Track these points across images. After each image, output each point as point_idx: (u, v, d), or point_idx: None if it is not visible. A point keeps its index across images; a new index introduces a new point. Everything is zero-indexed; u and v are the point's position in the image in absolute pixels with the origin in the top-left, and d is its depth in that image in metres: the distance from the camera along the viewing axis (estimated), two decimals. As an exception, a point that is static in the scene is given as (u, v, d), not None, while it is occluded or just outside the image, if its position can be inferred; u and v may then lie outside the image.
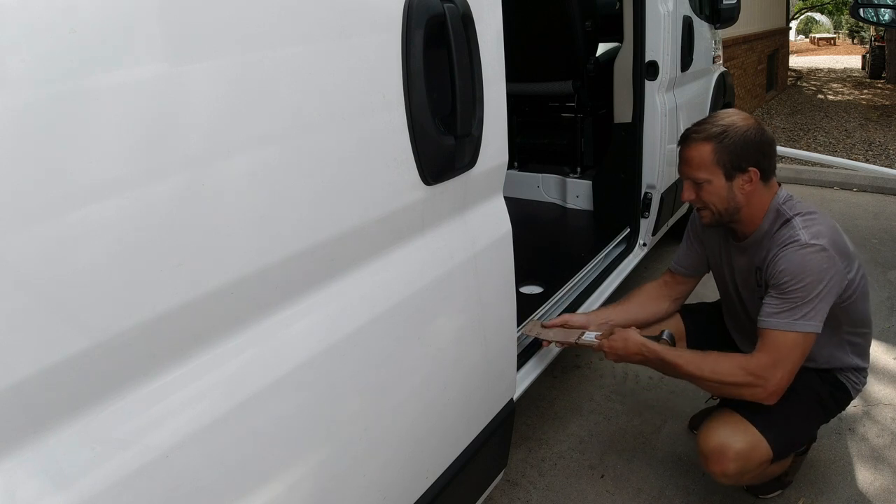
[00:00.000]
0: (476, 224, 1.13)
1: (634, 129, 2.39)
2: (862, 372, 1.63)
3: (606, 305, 1.86)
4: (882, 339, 2.47)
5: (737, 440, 1.44)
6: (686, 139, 1.50)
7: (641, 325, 1.71)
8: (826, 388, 1.58)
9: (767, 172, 1.48)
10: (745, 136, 1.44)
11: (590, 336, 1.64)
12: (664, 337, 1.62)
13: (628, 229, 2.46)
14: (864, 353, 1.63)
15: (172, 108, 0.63)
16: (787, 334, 1.38)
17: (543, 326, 1.72)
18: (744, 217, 1.51)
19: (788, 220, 1.45)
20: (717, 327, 1.82)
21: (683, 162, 1.51)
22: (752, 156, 1.44)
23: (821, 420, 1.62)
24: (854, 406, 2.10)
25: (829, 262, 1.38)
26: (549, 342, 1.70)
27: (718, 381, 1.43)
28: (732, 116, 1.49)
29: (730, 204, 1.49)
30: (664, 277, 1.84)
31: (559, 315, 1.78)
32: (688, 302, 1.87)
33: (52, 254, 0.56)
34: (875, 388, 2.20)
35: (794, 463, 1.75)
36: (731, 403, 1.51)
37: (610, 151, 2.60)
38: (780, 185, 1.55)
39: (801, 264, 1.38)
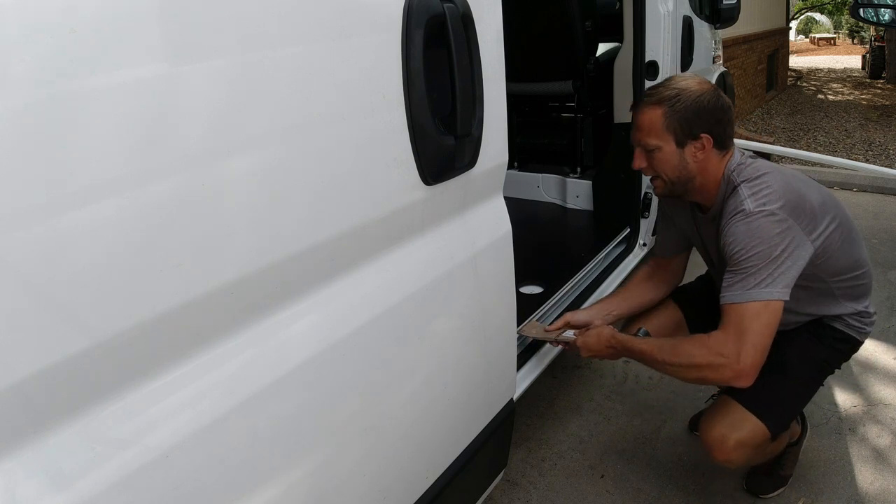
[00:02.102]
0: (476, 224, 1.13)
1: (635, 129, 2.39)
2: (864, 315, 1.53)
3: (608, 297, 1.82)
4: (882, 338, 2.47)
5: (735, 429, 1.42)
6: (637, 103, 1.44)
7: (645, 309, 1.69)
8: (824, 345, 1.52)
9: (722, 139, 1.40)
10: (698, 101, 1.37)
11: (569, 334, 1.64)
12: (639, 335, 1.61)
13: (628, 229, 2.46)
14: (862, 296, 1.53)
15: (172, 108, 0.63)
16: (745, 305, 1.30)
17: (546, 330, 1.70)
18: (698, 187, 1.44)
19: (735, 189, 1.37)
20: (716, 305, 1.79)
21: (634, 127, 1.44)
22: (705, 122, 1.37)
23: (823, 378, 1.56)
24: (854, 406, 2.10)
25: (782, 225, 1.30)
26: (551, 341, 1.70)
27: (686, 364, 1.37)
28: (688, 80, 1.41)
29: (682, 173, 1.42)
30: (651, 264, 1.79)
31: (561, 315, 1.76)
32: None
33: (53, 254, 0.56)
34: (875, 388, 2.20)
35: (790, 455, 1.74)
36: (730, 390, 1.47)
37: (610, 151, 2.60)
38: (738, 151, 1.47)
39: (747, 234, 1.31)
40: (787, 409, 1.49)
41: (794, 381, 1.48)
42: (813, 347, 1.51)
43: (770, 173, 1.38)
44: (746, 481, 1.79)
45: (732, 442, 1.42)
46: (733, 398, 1.45)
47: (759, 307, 1.29)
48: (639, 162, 1.46)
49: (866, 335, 1.56)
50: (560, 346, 1.70)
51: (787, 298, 1.30)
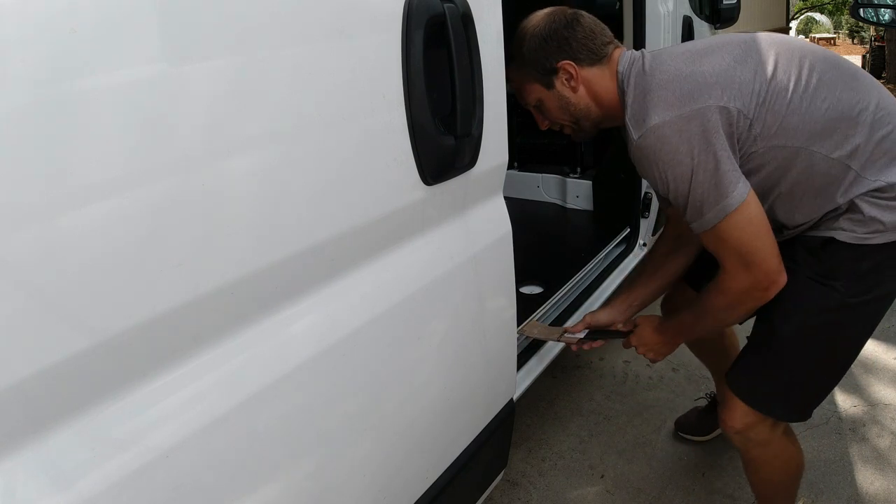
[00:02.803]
0: (476, 224, 1.13)
1: (634, 129, 2.39)
2: (882, 191, 1.13)
3: (626, 289, 1.62)
4: (882, 339, 2.47)
5: (745, 429, 1.33)
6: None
7: (666, 290, 1.56)
8: (822, 273, 1.18)
9: (584, 54, 1.25)
10: (534, 35, 1.24)
11: (571, 336, 1.58)
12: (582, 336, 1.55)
13: (628, 229, 2.46)
14: (869, 164, 1.13)
15: (172, 108, 0.63)
16: (716, 229, 1.12)
17: (568, 332, 1.61)
18: (607, 115, 1.28)
19: (623, 113, 1.21)
20: None
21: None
22: (554, 50, 1.23)
23: (845, 330, 1.22)
24: (854, 406, 2.10)
25: (677, 133, 1.09)
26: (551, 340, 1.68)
27: (725, 316, 1.23)
28: (527, 20, 1.28)
29: (573, 110, 1.29)
30: (666, 238, 1.55)
31: (583, 318, 1.60)
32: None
33: (53, 254, 0.56)
34: (875, 388, 2.20)
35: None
36: (729, 378, 1.34)
37: (610, 151, 2.60)
38: (628, 50, 1.29)
39: (650, 165, 1.14)
40: (796, 390, 1.28)
41: (789, 352, 1.25)
42: (806, 290, 1.19)
43: (650, 69, 1.19)
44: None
45: (748, 441, 1.34)
46: (730, 389, 1.33)
47: (730, 222, 1.11)
48: (539, 122, 1.37)
49: None
50: (571, 345, 1.62)
51: (748, 185, 1.11)
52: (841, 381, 2.19)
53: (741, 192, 1.10)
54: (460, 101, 0.95)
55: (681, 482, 1.84)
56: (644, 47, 2.27)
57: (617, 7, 2.63)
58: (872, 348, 2.42)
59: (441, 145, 0.96)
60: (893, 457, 1.87)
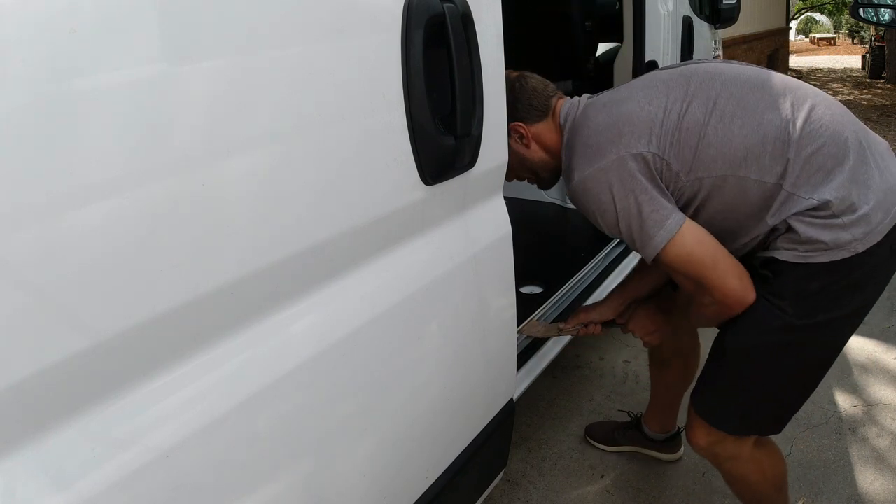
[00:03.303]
0: (476, 224, 1.13)
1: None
2: (817, 209, 1.09)
3: (619, 287, 1.67)
4: (882, 338, 2.47)
5: (710, 446, 1.33)
6: None
7: (658, 288, 1.55)
8: (772, 295, 1.16)
9: (531, 113, 1.31)
10: None
11: (571, 329, 1.61)
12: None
13: (628, 229, 2.46)
14: (802, 182, 1.10)
15: (172, 108, 0.63)
16: (664, 254, 1.14)
17: (561, 329, 1.65)
18: (560, 164, 1.33)
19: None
20: None
21: None
22: None
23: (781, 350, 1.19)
24: (854, 406, 2.10)
25: (597, 184, 1.15)
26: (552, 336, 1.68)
27: (702, 320, 1.30)
28: None
29: (530, 164, 1.35)
30: None
31: (577, 314, 1.62)
32: None
33: (52, 254, 0.56)
34: (875, 388, 2.20)
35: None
36: (691, 395, 1.35)
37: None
38: (567, 100, 1.33)
39: (584, 211, 1.21)
40: (754, 407, 1.28)
41: (740, 371, 1.25)
42: (757, 308, 1.17)
43: (581, 123, 1.24)
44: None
45: (712, 455, 1.36)
46: (691, 406, 1.35)
47: (668, 255, 1.14)
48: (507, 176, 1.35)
49: (848, 245, 1.09)
50: (569, 336, 1.64)
51: (681, 218, 1.13)
52: (841, 382, 2.21)
53: (670, 227, 1.12)
54: (460, 101, 0.95)
55: (681, 482, 1.84)
56: (644, 47, 2.27)
57: (617, 7, 2.64)
58: (872, 348, 2.42)
59: (441, 145, 0.96)
60: (893, 457, 1.87)
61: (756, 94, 1.15)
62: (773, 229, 1.14)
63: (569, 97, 1.36)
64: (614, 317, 1.57)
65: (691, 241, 1.13)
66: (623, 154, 1.14)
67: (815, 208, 1.10)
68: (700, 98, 1.16)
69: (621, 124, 1.17)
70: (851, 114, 1.19)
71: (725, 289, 1.14)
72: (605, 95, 1.30)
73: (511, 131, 1.29)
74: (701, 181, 1.15)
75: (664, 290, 1.57)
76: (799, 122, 1.11)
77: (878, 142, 1.20)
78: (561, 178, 1.38)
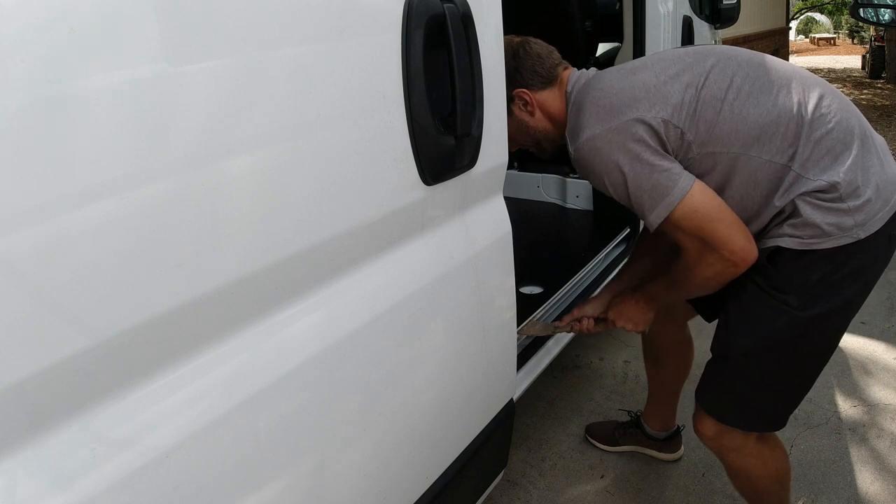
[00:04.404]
0: (476, 224, 1.13)
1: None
2: (824, 191, 1.11)
3: (611, 283, 1.66)
4: (882, 338, 2.47)
5: (716, 436, 1.35)
6: None
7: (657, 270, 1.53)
8: (772, 291, 1.18)
9: (535, 80, 1.29)
10: None
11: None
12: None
13: (628, 229, 2.46)
14: (811, 165, 1.12)
15: (172, 108, 0.63)
16: (669, 221, 1.14)
17: (556, 326, 1.66)
18: (563, 133, 1.30)
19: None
20: None
21: None
22: (507, 80, 1.21)
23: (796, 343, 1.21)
24: (854, 406, 2.10)
25: (607, 144, 1.14)
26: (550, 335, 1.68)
27: (697, 285, 1.24)
28: None
29: (533, 132, 1.33)
30: (645, 241, 1.60)
31: (572, 312, 1.63)
32: None
33: (53, 254, 0.56)
34: (875, 388, 2.20)
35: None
36: (697, 389, 1.36)
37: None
38: (574, 70, 1.32)
39: (589, 173, 1.20)
40: (757, 402, 1.29)
41: (744, 367, 1.26)
42: (759, 304, 1.20)
43: (592, 86, 1.23)
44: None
45: (712, 442, 1.37)
46: (697, 400, 1.36)
47: (678, 214, 1.13)
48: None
49: (850, 230, 1.12)
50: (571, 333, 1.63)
51: (692, 178, 1.13)
52: (841, 382, 2.21)
53: (682, 186, 1.12)
54: (460, 101, 0.95)
55: (681, 482, 1.84)
56: (644, 47, 2.27)
57: (617, 7, 2.64)
58: (872, 348, 2.42)
59: (441, 145, 0.96)
60: (893, 457, 1.87)
61: (769, 76, 1.17)
62: (779, 213, 1.16)
63: (576, 68, 1.35)
64: (603, 310, 1.57)
65: (702, 198, 1.14)
66: (637, 117, 1.14)
67: (822, 190, 1.11)
68: (717, 74, 1.17)
69: (637, 90, 1.17)
70: (854, 106, 1.21)
71: (733, 245, 1.13)
72: (617, 66, 1.29)
73: (515, 98, 1.28)
74: (714, 157, 1.16)
75: (647, 277, 1.54)
76: (810, 106, 1.14)
77: (878, 136, 1.23)
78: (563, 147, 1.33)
